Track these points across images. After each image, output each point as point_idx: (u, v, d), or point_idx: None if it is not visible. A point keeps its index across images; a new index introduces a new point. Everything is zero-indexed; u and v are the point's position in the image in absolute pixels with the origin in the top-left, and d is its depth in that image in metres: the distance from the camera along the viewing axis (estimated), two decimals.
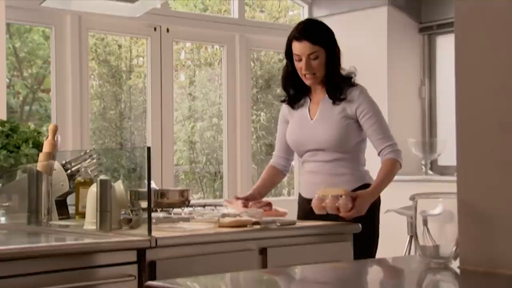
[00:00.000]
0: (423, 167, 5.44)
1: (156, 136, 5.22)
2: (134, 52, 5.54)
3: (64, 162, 2.96)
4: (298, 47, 3.05)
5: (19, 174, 3.00)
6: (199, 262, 2.45)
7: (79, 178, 2.86)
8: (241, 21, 5.65)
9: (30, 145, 3.02)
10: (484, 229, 1.56)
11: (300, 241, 2.73)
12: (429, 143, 5.48)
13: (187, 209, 2.94)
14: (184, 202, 2.93)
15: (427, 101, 5.69)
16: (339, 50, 3.13)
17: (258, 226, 2.67)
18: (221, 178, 5.67)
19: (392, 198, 4.84)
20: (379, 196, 3.12)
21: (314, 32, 3.07)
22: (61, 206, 2.91)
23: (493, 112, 1.56)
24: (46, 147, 2.96)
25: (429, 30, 5.65)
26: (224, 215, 2.74)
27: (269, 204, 2.88)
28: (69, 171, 2.93)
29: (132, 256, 2.35)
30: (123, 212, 2.61)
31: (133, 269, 2.34)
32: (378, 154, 3.08)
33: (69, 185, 2.90)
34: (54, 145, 2.96)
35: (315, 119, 3.11)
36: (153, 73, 5.23)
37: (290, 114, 3.21)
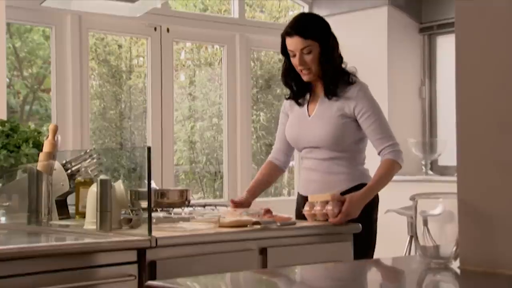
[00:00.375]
0: (423, 167, 5.44)
1: (156, 136, 5.22)
2: (134, 52, 5.54)
3: (64, 162, 2.96)
4: (291, 43, 3.02)
5: (19, 174, 3.00)
6: (199, 262, 2.45)
7: (79, 178, 2.86)
8: (241, 21, 5.65)
9: (30, 145, 3.02)
10: (484, 229, 1.56)
11: (300, 241, 2.73)
12: (429, 143, 5.48)
13: (187, 209, 2.94)
14: (184, 202, 2.93)
15: (427, 101, 5.69)
16: (335, 42, 3.07)
17: (258, 226, 2.66)
18: (221, 178, 5.67)
19: (392, 198, 4.84)
20: (377, 196, 3.09)
21: (305, 26, 3.02)
22: (61, 206, 2.91)
23: (493, 112, 1.56)
24: (46, 147, 2.96)
25: (429, 30, 5.65)
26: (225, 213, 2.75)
27: (268, 211, 2.87)
28: (69, 171, 2.93)
29: (132, 256, 2.35)
30: (123, 212, 2.61)
31: (133, 269, 2.34)
32: (378, 154, 3.04)
33: (69, 185, 2.90)
34: (54, 145, 2.96)
35: (312, 116, 3.09)
36: (153, 73, 5.23)
37: (291, 109, 3.19)
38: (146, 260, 2.36)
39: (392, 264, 1.94)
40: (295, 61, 3.04)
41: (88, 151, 3.02)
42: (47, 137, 2.99)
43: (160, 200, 2.88)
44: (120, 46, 5.47)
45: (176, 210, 2.88)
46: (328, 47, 3.03)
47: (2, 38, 4.20)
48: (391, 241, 4.95)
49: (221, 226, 2.65)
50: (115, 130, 5.40)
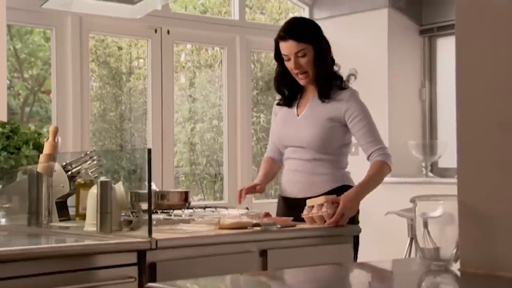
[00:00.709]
0: (423, 169, 5.44)
1: (157, 138, 5.22)
2: (134, 54, 5.55)
3: (64, 163, 2.96)
4: (285, 47, 3.04)
5: (20, 176, 3.00)
6: (199, 264, 2.45)
7: (79, 180, 2.86)
8: (241, 23, 5.65)
9: (31, 147, 3.02)
10: (485, 231, 1.56)
11: (300, 243, 2.73)
12: (429, 145, 5.48)
13: (187, 211, 2.93)
14: (184, 204, 2.93)
15: (428, 103, 5.69)
16: (327, 45, 3.10)
17: (258, 228, 2.66)
18: (222, 180, 5.67)
19: (393, 200, 4.85)
20: None
21: (299, 30, 3.05)
22: (62, 207, 2.91)
23: (494, 114, 1.56)
24: (46, 149, 2.96)
25: (429, 32, 5.65)
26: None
27: (268, 215, 2.88)
28: (69, 173, 2.93)
29: (133, 257, 2.35)
30: (123, 214, 2.61)
31: (133, 271, 2.34)
32: (368, 158, 3.05)
33: (70, 187, 2.90)
34: (54, 146, 2.96)
35: (301, 116, 3.10)
36: (154, 75, 5.23)
37: (280, 109, 3.21)
38: (146, 262, 2.35)
39: (392, 266, 1.94)
40: (290, 65, 3.05)
41: (88, 152, 3.02)
42: (48, 138, 2.99)
43: (160, 202, 2.88)
44: (120, 48, 5.47)
45: (176, 212, 2.88)
46: (322, 50, 3.06)
47: (3, 40, 4.20)
48: (391, 243, 4.96)
49: (221, 228, 2.65)
50: (115, 131, 5.40)
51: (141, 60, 5.54)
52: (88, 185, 2.78)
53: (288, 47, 3.03)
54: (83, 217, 2.70)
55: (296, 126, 3.10)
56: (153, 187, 2.81)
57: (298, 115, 3.12)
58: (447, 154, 5.30)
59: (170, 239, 2.44)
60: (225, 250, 2.53)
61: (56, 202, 2.88)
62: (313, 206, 2.83)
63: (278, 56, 3.11)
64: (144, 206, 2.51)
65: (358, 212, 3.10)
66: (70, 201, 2.92)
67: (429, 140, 5.61)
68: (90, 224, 2.57)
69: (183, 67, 5.88)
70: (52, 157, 2.92)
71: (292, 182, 3.11)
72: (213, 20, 5.62)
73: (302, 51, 3.02)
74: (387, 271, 1.89)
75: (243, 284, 1.73)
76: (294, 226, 2.80)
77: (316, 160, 3.04)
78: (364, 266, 2.01)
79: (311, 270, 1.92)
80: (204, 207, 3.11)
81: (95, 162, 2.94)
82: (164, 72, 5.27)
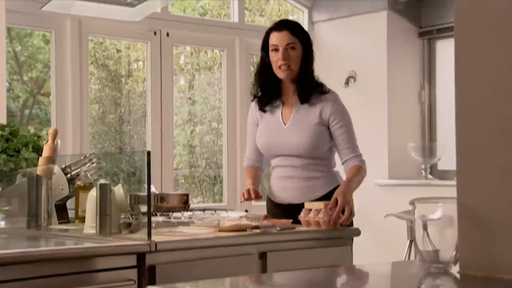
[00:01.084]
0: (422, 171, 5.44)
1: (156, 140, 5.22)
2: (133, 56, 5.55)
3: (63, 166, 2.96)
4: (277, 36, 3.07)
5: (19, 178, 3.00)
6: (199, 266, 2.45)
7: (78, 182, 2.86)
8: (241, 25, 5.66)
9: (30, 149, 3.01)
10: (484, 233, 1.56)
11: (299, 246, 2.73)
12: (428, 147, 5.48)
13: (186, 213, 2.93)
14: (183, 206, 2.93)
15: (427, 106, 5.69)
16: (313, 55, 3.15)
17: (257, 231, 2.66)
18: (221, 182, 5.67)
19: (392, 203, 4.85)
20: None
21: (294, 25, 3.14)
22: (61, 210, 2.90)
23: (493, 117, 1.56)
24: (46, 151, 2.96)
25: (428, 35, 5.65)
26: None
27: (267, 217, 2.88)
28: (68, 175, 2.93)
29: (132, 260, 2.34)
30: (122, 216, 2.61)
31: (133, 274, 2.34)
32: (343, 163, 3.08)
33: (69, 189, 2.90)
34: (54, 149, 2.96)
35: (289, 125, 3.10)
36: (153, 77, 5.23)
37: (261, 117, 3.19)
38: (146, 265, 2.35)
39: (391, 268, 1.94)
40: (276, 55, 3.07)
41: (87, 155, 3.02)
42: (47, 141, 2.99)
43: (159, 205, 2.88)
44: (119, 51, 5.47)
45: (175, 214, 2.88)
46: (309, 55, 3.11)
47: (2, 42, 4.20)
48: (390, 245, 4.95)
49: (220, 230, 2.65)
50: (114, 134, 5.40)
51: (140, 63, 5.54)
52: (87, 187, 2.78)
53: (281, 37, 3.06)
54: (82, 219, 2.70)
55: (284, 136, 3.09)
56: (153, 189, 2.81)
57: (285, 124, 3.11)
58: (447, 156, 5.30)
59: (170, 241, 2.44)
60: (225, 252, 2.53)
61: (55, 204, 2.88)
62: (310, 210, 2.83)
63: (265, 48, 3.13)
64: (144, 208, 2.51)
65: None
66: (70, 203, 2.92)
67: (428, 142, 5.61)
68: (90, 226, 2.57)
69: (183, 69, 5.88)
70: (51, 159, 2.92)
71: (285, 188, 3.11)
72: (212, 22, 5.62)
73: (293, 44, 3.06)
74: (387, 273, 1.88)
75: (243, 287, 1.72)
76: (294, 228, 2.80)
77: (309, 165, 3.07)
78: (363, 268, 2.01)
79: (311, 273, 1.92)
80: (204, 210, 3.11)
81: (94, 164, 2.94)
82: (163, 74, 5.27)
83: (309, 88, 3.08)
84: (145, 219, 2.43)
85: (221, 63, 5.69)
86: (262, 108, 3.17)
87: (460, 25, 1.64)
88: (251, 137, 3.25)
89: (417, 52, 5.70)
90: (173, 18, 5.38)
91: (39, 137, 3.13)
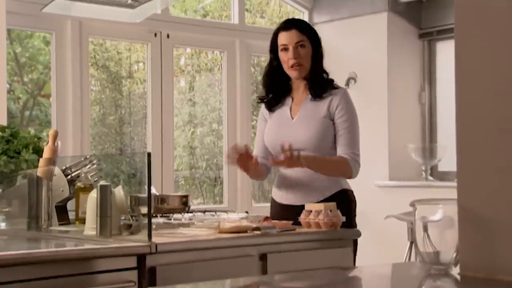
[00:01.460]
0: (423, 172, 5.44)
1: (156, 142, 5.22)
2: (134, 58, 5.55)
3: (64, 167, 2.96)
4: (286, 36, 3.08)
5: (19, 180, 3.00)
6: (199, 268, 2.45)
7: (79, 184, 2.86)
8: (241, 27, 5.66)
9: (30, 151, 3.01)
10: (485, 235, 1.56)
11: (300, 247, 2.73)
12: (429, 148, 5.48)
13: (187, 215, 2.93)
14: (184, 207, 2.93)
15: (427, 107, 5.69)
16: (322, 52, 3.15)
17: (258, 232, 2.66)
18: (221, 183, 5.67)
19: (392, 204, 4.85)
20: (355, 200, 3.10)
21: (301, 23, 3.15)
22: (61, 211, 2.90)
23: (493, 118, 1.56)
24: (46, 153, 2.96)
25: (429, 36, 5.66)
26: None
27: (267, 218, 2.87)
28: (69, 177, 2.93)
29: (132, 262, 2.34)
30: (123, 218, 2.61)
31: (133, 275, 2.34)
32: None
33: (69, 191, 2.90)
34: (54, 150, 2.96)
35: (296, 119, 3.10)
36: (153, 79, 5.23)
37: (270, 114, 3.20)
38: (146, 266, 2.35)
39: (392, 270, 1.94)
40: (287, 55, 3.07)
41: (88, 156, 3.02)
42: (47, 142, 2.99)
43: (160, 206, 2.88)
44: (119, 52, 5.48)
45: (176, 216, 2.88)
46: (318, 52, 3.11)
47: (3, 44, 4.21)
48: (391, 246, 4.95)
49: (221, 232, 2.65)
50: (115, 135, 5.40)
51: (141, 64, 5.54)
52: (87, 189, 2.78)
53: (290, 36, 3.07)
54: (82, 221, 2.70)
55: (292, 129, 3.09)
56: (153, 191, 2.82)
57: (292, 119, 3.12)
58: (447, 158, 5.30)
59: (170, 243, 2.43)
60: (225, 254, 2.53)
61: (55, 206, 2.88)
62: (311, 211, 2.83)
63: (274, 49, 3.13)
64: (144, 210, 2.51)
65: (355, 216, 3.09)
66: (70, 205, 2.92)
67: (428, 144, 5.61)
68: (90, 228, 2.57)
69: (183, 71, 5.88)
70: (51, 161, 2.92)
71: (290, 188, 3.10)
72: (212, 24, 5.63)
73: (303, 42, 3.07)
74: (387, 275, 1.88)
75: None
76: (294, 230, 2.79)
77: None
78: (363, 270, 2.01)
79: (311, 274, 1.92)
80: (204, 211, 3.11)
81: (94, 166, 2.94)
82: (163, 76, 5.27)
83: (321, 84, 3.08)
84: (145, 221, 2.43)
85: (221, 64, 5.69)
86: (271, 109, 3.18)
87: (460, 26, 1.64)
88: (259, 136, 3.25)
89: (417, 53, 5.70)
90: (174, 20, 5.38)
91: (39, 138, 3.13)
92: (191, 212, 2.98)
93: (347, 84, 5.41)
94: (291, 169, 3.07)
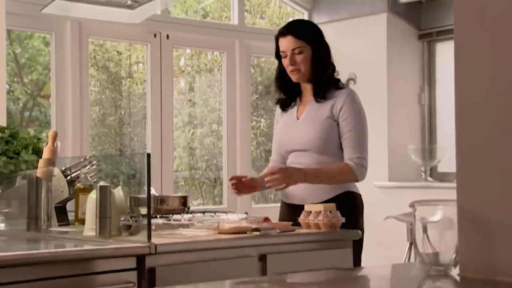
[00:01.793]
0: (422, 173, 5.44)
1: (156, 142, 5.22)
2: (133, 59, 5.55)
3: (63, 168, 2.96)
4: (283, 42, 3.08)
5: (19, 180, 3.00)
6: (199, 268, 2.45)
7: (78, 185, 2.86)
8: (241, 28, 5.66)
9: (30, 151, 3.01)
10: (484, 236, 1.56)
11: (299, 248, 2.73)
12: (428, 149, 5.48)
13: (186, 216, 2.93)
14: (183, 208, 2.93)
15: (427, 108, 5.69)
16: (327, 50, 3.12)
17: (257, 233, 2.66)
18: (221, 184, 5.67)
19: (392, 205, 4.85)
20: (361, 201, 3.10)
21: (299, 28, 3.09)
22: (61, 212, 2.90)
23: (493, 119, 1.56)
24: (45, 153, 2.96)
25: (428, 37, 5.66)
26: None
27: (267, 219, 2.87)
28: (68, 177, 2.93)
29: (132, 262, 2.34)
30: (122, 219, 2.61)
31: (133, 276, 2.33)
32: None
33: (69, 192, 2.90)
34: (53, 151, 2.96)
35: (301, 120, 3.11)
36: (153, 79, 5.23)
37: (282, 114, 3.23)
38: (145, 267, 2.35)
39: (391, 271, 1.94)
40: (286, 61, 3.08)
41: (87, 157, 3.02)
42: (47, 143, 2.99)
43: (159, 207, 2.87)
44: (119, 53, 5.48)
45: (175, 216, 2.88)
46: (320, 52, 3.08)
47: (3, 45, 4.21)
48: (390, 247, 4.95)
49: (220, 232, 2.65)
50: (114, 136, 5.40)
51: (141, 65, 5.54)
52: (87, 189, 2.78)
53: (286, 43, 3.06)
54: (82, 222, 2.70)
55: (296, 129, 3.10)
56: (152, 191, 2.81)
57: (298, 119, 3.13)
58: (447, 159, 5.30)
59: (169, 244, 2.43)
60: (225, 255, 2.53)
61: (55, 207, 2.88)
62: (310, 212, 2.83)
63: (278, 54, 3.14)
64: (143, 210, 2.51)
65: (360, 218, 3.08)
66: (69, 206, 2.92)
67: (428, 145, 5.61)
68: (89, 229, 2.56)
69: (183, 71, 5.88)
70: (51, 161, 2.92)
71: (294, 189, 3.09)
72: (212, 24, 5.63)
73: (299, 48, 3.05)
74: (387, 276, 1.88)
75: None
76: (293, 230, 2.79)
77: (318, 164, 3.03)
78: (363, 270, 2.01)
79: (310, 275, 1.92)
80: (204, 212, 3.10)
81: (94, 166, 2.94)
82: (163, 76, 5.27)
83: (324, 86, 3.06)
84: (145, 221, 2.43)
85: (221, 65, 5.69)
86: (284, 109, 3.21)
87: (459, 26, 1.64)
88: (274, 141, 3.29)
89: (417, 54, 5.70)
90: (173, 20, 5.38)
91: (39, 139, 3.13)
92: (191, 213, 2.97)
93: (347, 84, 5.41)
94: (297, 166, 3.06)
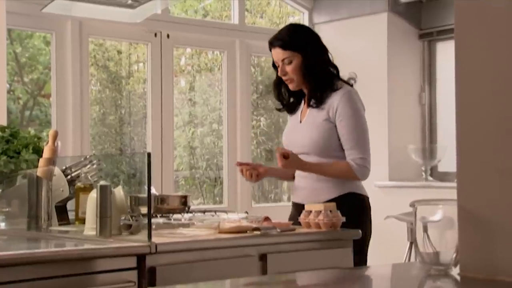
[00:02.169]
0: (423, 173, 5.44)
1: (156, 142, 5.22)
2: (134, 58, 5.55)
3: (64, 167, 2.96)
4: (273, 54, 3.12)
5: (19, 180, 3.00)
6: (199, 268, 2.45)
7: (79, 184, 2.86)
8: (241, 27, 5.66)
9: (30, 151, 3.01)
10: (484, 235, 1.56)
11: (300, 247, 2.73)
12: (429, 149, 5.48)
13: (187, 215, 2.93)
14: (184, 208, 2.93)
15: (427, 107, 5.69)
16: (321, 52, 3.08)
17: (258, 232, 2.66)
18: (221, 183, 5.67)
19: (392, 204, 4.85)
20: (368, 202, 3.10)
21: (285, 38, 3.06)
22: (61, 211, 2.90)
23: (494, 118, 1.56)
24: (46, 153, 2.96)
25: (429, 36, 5.66)
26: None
27: (267, 219, 2.88)
28: (69, 177, 2.93)
29: (132, 262, 2.34)
30: (123, 218, 2.61)
31: (133, 275, 2.34)
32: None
33: (69, 191, 2.90)
34: (54, 150, 2.96)
35: (303, 122, 3.13)
36: (154, 79, 5.23)
37: (290, 118, 3.27)
38: (146, 266, 2.35)
39: (392, 270, 1.94)
40: (279, 72, 3.11)
41: (88, 157, 3.02)
42: (47, 142, 2.99)
43: (160, 206, 2.87)
44: (119, 52, 5.48)
45: (176, 216, 2.88)
46: (311, 57, 3.04)
47: (3, 44, 4.21)
48: (391, 247, 4.95)
49: (221, 232, 2.65)
50: (115, 135, 5.40)
51: (141, 64, 5.54)
52: (87, 189, 2.78)
53: (275, 54, 3.10)
54: (82, 221, 2.70)
55: (298, 132, 3.13)
56: (153, 191, 2.81)
57: (300, 122, 3.14)
58: (447, 158, 5.30)
59: (170, 243, 2.43)
60: (225, 254, 2.53)
61: (55, 206, 2.88)
62: (310, 211, 2.83)
63: (273, 63, 3.18)
64: (144, 210, 2.51)
65: (364, 220, 3.07)
66: (70, 205, 2.92)
67: (428, 144, 5.61)
68: (90, 228, 2.56)
69: (183, 71, 5.88)
70: (51, 161, 2.92)
71: (299, 188, 3.15)
72: (212, 24, 5.63)
73: (288, 58, 3.05)
74: (387, 275, 1.88)
75: None
76: (294, 230, 2.79)
77: None
78: (363, 270, 2.01)
79: (311, 274, 1.92)
80: (204, 211, 3.11)
81: (94, 166, 2.94)
82: (163, 76, 5.27)
83: (319, 90, 3.06)
84: (145, 221, 2.43)
85: (221, 64, 5.69)
86: (290, 112, 3.23)
87: (460, 26, 1.64)
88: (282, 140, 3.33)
89: (417, 54, 5.70)
90: (174, 20, 5.38)
91: (39, 138, 3.13)
92: (191, 212, 2.97)
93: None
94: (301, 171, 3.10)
